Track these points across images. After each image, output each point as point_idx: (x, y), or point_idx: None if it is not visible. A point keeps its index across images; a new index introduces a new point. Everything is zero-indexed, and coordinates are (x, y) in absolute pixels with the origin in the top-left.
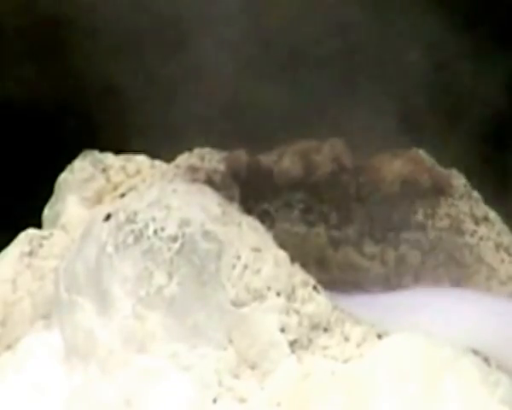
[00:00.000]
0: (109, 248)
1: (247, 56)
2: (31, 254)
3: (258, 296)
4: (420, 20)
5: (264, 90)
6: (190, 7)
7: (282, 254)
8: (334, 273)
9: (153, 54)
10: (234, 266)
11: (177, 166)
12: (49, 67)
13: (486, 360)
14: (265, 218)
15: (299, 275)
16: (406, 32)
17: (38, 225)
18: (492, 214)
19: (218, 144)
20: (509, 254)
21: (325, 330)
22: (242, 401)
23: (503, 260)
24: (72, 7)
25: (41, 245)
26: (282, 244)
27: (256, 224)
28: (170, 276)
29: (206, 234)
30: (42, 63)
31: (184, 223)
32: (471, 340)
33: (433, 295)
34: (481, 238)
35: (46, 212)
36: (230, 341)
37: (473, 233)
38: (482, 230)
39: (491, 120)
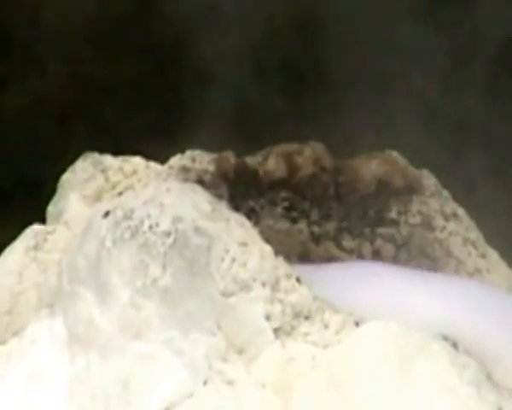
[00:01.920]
0: (108, 243)
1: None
2: (36, 248)
3: (245, 287)
4: None
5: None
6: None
7: (267, 249)
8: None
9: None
10: (223, 259)
11: (171, 167)
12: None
13: (455, 345)
14: (252, 215)
15: (283, 268)
16: None
17: (43, 221)
18: (461, 211)
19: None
20: (476, 248)
21: (306, 318)
22: (230, 383)
23: (470, 254)
24: None
25: (45, 240)
26: (267, 239)
27: (243, 220)
28: (164, 268)
29: (197, 230)
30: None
31: (177, 219)
32: (441, 324)
33: (406, 279)
34: (450, 233)
35: (50, 209)
36: (219, 328)
37: (442, 229)
38: (451, 226)
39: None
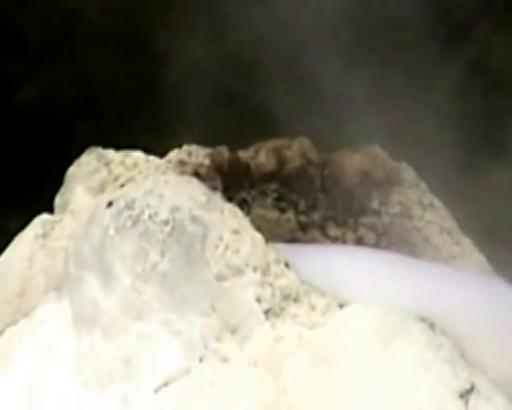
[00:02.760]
0: (111, 231)
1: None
2: (44, 235)
3: (238, 272)
4: None
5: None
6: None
7: (258, 236)
8: None
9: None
10: (217, 246)
11: (169, 161)
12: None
13: (432, 326)
14: (244, 205)
15: (273, 254)
16: None
17: (51, 211)
18: (437, 202)
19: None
20: (451, 236)
21: (295, 300)
22: (224, 361)
23: (445, 241)
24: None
25: (53, 228)
26: (258, 227)
27: (236, 210)
28: (162, 254)
29: (194, 219)
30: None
31: (175, 209)
32: (419, 305)
33: (387, 264)
34: (428, 222)
35: (57, 200)
36: (214, 310)
37: (420, 218)
38: (428, 215)
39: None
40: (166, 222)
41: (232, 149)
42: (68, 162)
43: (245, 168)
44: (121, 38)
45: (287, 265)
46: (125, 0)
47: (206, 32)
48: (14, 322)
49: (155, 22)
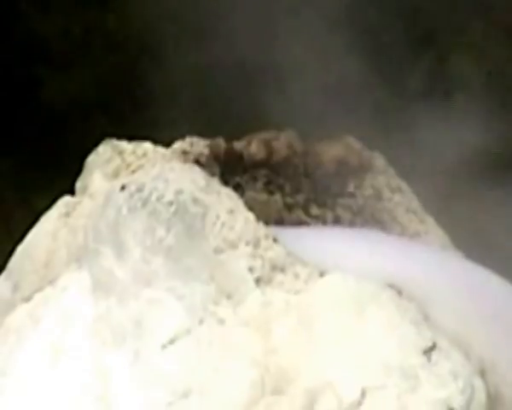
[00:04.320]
0: (124, 211)
1: None
2: (67, 214)
3: (233, 246)
4: None
5: None
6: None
7: (250, 215)
8: None
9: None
10: (215, 224)
11: (173, 151)
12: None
13: (399, 292)
14: (238, 188)
15: (263, 230)
16: None
17: (72, 193)
18: (404, 185)
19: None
20: (416, 216)
21: (281, 270)
22: (221, 322)
23: (411, 220)
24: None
25: (74, 208)
26: (250, 208)
27: (231, 193)
28: (168, 231)
29: (195, 200)
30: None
31: (179, 192)
32: (388, 273)
33: (361, 239)
34: (396, 204)
35: (78, 184)
36: (212, 278)
37: (390, 200)
38: (396, 197)
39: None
40: (171, 203)
41: (228, 140)
42: (87, 152)
43: (239, 157)
44: (133, 44)
45: (275, 240)
46: (137, 12)
47: (211, 38)
48: (40, 289)
49: (164, 31)
